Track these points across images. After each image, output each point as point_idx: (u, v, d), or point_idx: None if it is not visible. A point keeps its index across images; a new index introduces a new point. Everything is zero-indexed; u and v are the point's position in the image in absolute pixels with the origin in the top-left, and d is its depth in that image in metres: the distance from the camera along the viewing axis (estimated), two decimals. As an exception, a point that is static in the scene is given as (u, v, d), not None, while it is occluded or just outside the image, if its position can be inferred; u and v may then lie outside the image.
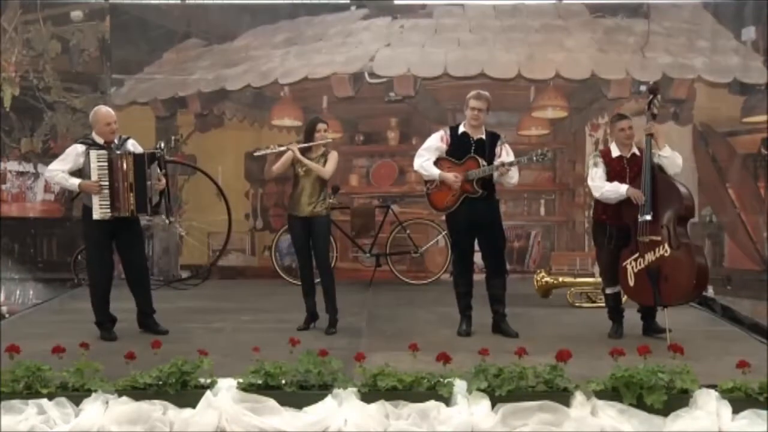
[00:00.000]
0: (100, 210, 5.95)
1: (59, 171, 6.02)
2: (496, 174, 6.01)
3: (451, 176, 6.00)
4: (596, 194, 6.04)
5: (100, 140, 6.06)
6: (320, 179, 6.22)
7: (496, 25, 9.31)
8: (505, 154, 6.08)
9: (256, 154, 6.69)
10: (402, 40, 9.27)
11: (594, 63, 9.15)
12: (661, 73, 8.93)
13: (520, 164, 6.10)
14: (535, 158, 6.05)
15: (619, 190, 5.91)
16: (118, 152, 6.03)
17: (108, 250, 6.20)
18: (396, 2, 9.42)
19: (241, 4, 9.42)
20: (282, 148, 6.34)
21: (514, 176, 6.08)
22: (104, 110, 6.14)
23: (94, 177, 5.94)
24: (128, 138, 6.22)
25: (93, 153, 5.96)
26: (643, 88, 8.85)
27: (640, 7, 9.19)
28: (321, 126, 6.26)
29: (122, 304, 6.24)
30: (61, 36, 9.22)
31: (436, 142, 6.15)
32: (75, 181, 5.99)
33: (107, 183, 5.95)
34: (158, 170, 6.16)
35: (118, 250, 6.29)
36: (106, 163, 5.96)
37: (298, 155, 6.18)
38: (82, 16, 9.24)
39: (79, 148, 6.05)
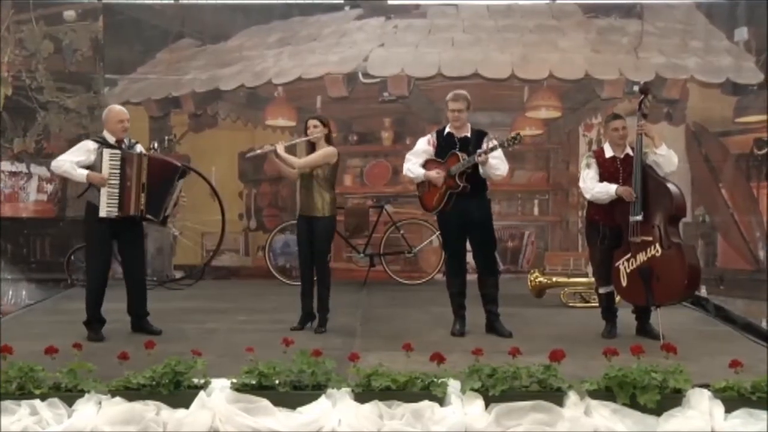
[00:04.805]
0: (107, 208, 5.91)
1: (68, 161, 5.96)
2: (483, 169, 5.98)
3: (432, 173, 6.05)
4: (587, 195, 6.07)
5: (111, 139, 6.04)
6: (325, 180, 6.23)
7: (489, 25, 9.32)
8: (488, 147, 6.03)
9: (248, 155, 6.72)
10: (396, 41, 9.28)
11: (588, 63, 9.17)
12: (654, 74, 8.96)
13: (494, 150, 5.88)
14: (506, 144, 5.92)
15: (608, 190, 5.92)
16: (131, 152, 6.03)
17: (109, 249, 6.18)
18: (390, 2, 9.41)
19: (235, 4, 9.41)
20: (271, 147, 6.37)
21: (499, 167, 5.99)
22: (118, 108, 6.17)
23: (105, 175, 5.92)
24: (137, 142, 6.24)
25: (106, 152, 5.94)
26: (636, 88, 8.86)
27: (633, 8, 9.22)
28: (310, 123, 6.30)
29: (116, 304, 6.22)
30: (54, 36, 9.19)
31: (423, 145, 6.21)
32: (83, 172, 5.92)
33: (117, 182, 5.93)
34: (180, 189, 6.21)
35: (119, 251, 6.28)
36: (118, 162, 5.95)
37: (280, 152, 6.23)
38: (75, 16, 9.22)
39: (91, 144, 6.03)
